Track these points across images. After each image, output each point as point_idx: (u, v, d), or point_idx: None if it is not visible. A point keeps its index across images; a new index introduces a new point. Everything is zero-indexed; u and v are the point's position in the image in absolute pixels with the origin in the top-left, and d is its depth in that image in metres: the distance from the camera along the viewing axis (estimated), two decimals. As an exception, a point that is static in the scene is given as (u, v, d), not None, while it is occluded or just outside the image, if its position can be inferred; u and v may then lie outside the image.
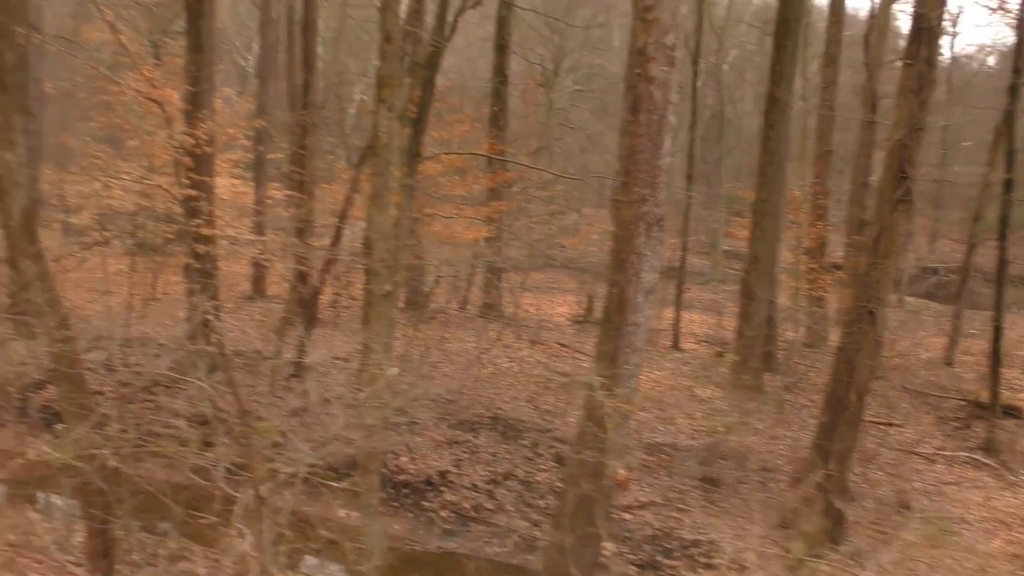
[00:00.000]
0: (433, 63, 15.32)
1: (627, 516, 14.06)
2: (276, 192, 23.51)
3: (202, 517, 6.38)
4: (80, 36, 21.95)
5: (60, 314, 9.16)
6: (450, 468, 15.39)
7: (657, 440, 16.53)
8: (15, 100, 9.12)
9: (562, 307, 26.93)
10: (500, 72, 22.67)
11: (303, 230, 19.67)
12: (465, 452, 15.85)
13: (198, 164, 16.32)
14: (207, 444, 6.97)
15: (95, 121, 21.20)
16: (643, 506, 14.47)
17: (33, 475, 11.96)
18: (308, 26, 20.86)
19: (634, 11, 9.24)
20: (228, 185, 20.46)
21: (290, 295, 18.75)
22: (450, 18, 15.32)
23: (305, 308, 18.86)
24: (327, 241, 19.21)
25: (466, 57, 32.57)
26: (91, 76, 20.53)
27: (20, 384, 13.75)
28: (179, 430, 7.58)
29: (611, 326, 9.67)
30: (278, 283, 23.97)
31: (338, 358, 19.03)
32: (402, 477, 15.07)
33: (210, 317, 16.10)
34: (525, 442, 16.36)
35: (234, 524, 5.88)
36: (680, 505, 14.49)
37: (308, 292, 17.56)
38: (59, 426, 13.71)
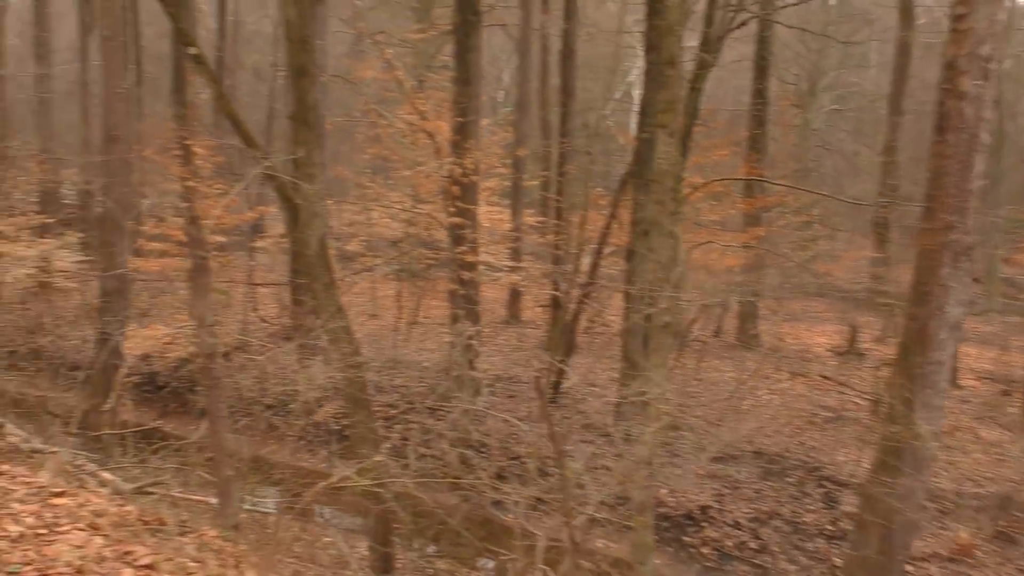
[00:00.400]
0: (697, 86, 14.95)
1: (909, 568, 12.94)
2: (530, 219, 23.93)
3: (502, 553, 6.34)
4: (352, 74, 23.40)
5: (353, 342, 9.58)
6: (711, 503, 14.83)
7: (939, 485, 15.17)
8: (315, 136, 9.67)
9: (821, 337, 25.56)
10: (760, 93, 21.90)
11: (560, 257, 19.80)
12: (727, 487, 15.23)
13: (463, 193, 16.85)
14: (501, 477, 6.94)
15: (366, 153, 22.44)
16: (926, 558, 13.28)
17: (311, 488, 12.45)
18: (567, 55, 21.09)
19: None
20: (486, 212, 21.02)
21: (550, 321, 18.91)
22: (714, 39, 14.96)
23: (563, 334, 18.97)
24: (582, 267, 19.24)
25: (717, 79, 31.87)
26: (363, 111, 21.82)
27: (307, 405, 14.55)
28: (468, 458, 7.62)
29: (910, 364, 8.88)
30: (531, 308, 24.31)
31: (594, 385, 19.02)
32: (662, 510, 14.66)
33: (474, 342, 16.58)
34: (791, 480, 15.52)
35: (537, 563, 5.79)
36: (971, 561, 13.17)
37: (567, 318, 17.60)
38: (339, 446, 14.49)
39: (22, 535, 4.96)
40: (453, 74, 17.50)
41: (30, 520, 5.12)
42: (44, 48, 24.19)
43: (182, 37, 9.08)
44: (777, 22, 19.80)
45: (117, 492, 7.18)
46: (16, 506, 5.28)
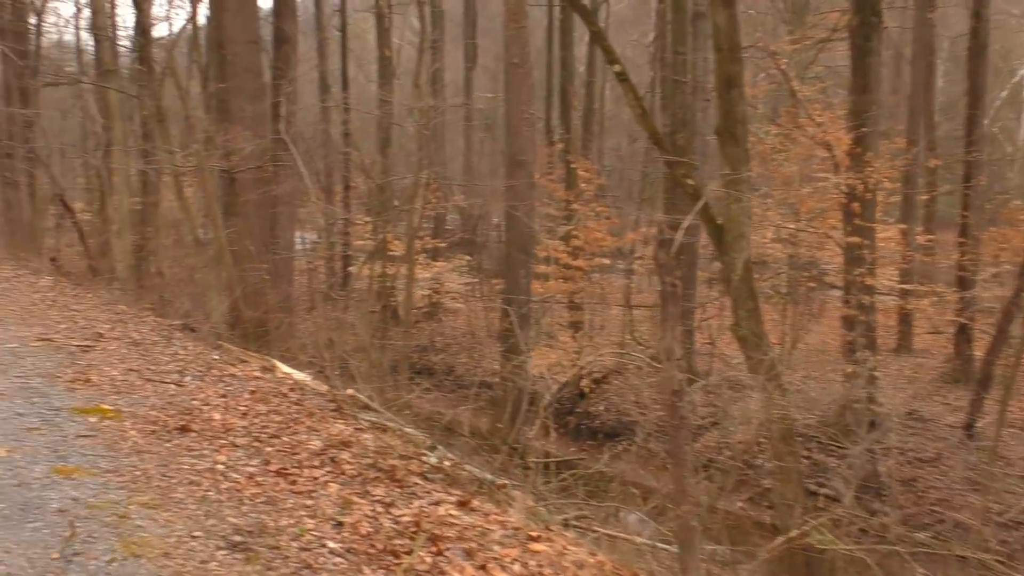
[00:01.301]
0: None
1: None
2: (920, 237, 21.72)
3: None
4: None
5: (780, 374, 8.77)
6: None
7: None
8: (743, 152, 9.00)
9: None
10: None
11: (967, 279, 17.67)
12: None
13: (863, 210, 15.44)
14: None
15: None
16: None
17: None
18: (976, 51, 18.71)
19: None
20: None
21: (955, 351, 16.92)
22: None
23: (971, 365, 16.90)
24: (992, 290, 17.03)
25: None
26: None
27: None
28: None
29: None
30: (922, 335, 22.01)
31: (1014, 426, 16.63)
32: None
33: (877, 373, 15.11)
34: None
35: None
36: None
37: (986, 348, 15.59)
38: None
39: (514, 585, 4.68)
40: (850, 82, 16.18)
41: (516, 568, 4.83)
42: (439, 83, 25.93)
43: (608, 56, 8.81)
44: None
45: (545, 524, 6.88)
46: (498, 549, 5.02)
